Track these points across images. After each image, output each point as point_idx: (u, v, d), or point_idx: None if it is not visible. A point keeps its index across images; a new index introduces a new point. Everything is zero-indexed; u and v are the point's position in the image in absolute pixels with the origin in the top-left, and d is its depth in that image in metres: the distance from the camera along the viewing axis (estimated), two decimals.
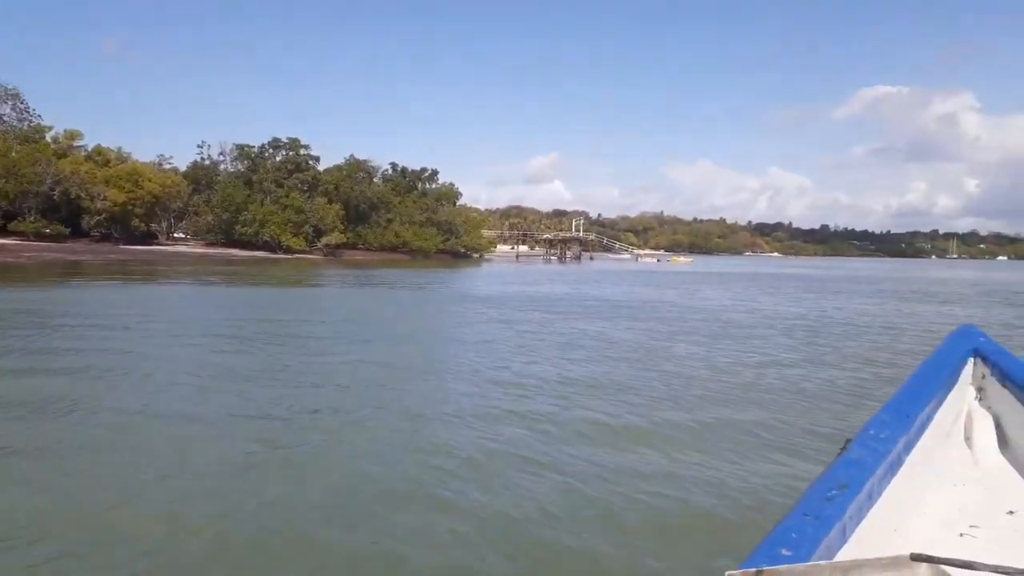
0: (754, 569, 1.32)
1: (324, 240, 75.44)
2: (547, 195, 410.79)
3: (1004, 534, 1.94)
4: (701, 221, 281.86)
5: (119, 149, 74.42)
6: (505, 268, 65.23)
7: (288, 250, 73.04)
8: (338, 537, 4.74)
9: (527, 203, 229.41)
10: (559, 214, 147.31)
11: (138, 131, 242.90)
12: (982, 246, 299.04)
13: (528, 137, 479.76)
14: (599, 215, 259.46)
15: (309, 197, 77.47)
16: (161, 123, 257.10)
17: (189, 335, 14.13)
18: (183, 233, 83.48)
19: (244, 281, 34.42)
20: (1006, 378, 2.37)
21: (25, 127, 71.27)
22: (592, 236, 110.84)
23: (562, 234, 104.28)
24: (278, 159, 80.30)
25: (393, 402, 8.63)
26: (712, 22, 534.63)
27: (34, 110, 73.56)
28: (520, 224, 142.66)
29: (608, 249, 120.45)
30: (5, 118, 72.15)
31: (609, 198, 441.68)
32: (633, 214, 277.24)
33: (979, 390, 2.50)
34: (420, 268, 59.18)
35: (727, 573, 1.32)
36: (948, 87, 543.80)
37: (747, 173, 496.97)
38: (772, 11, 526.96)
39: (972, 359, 2.49)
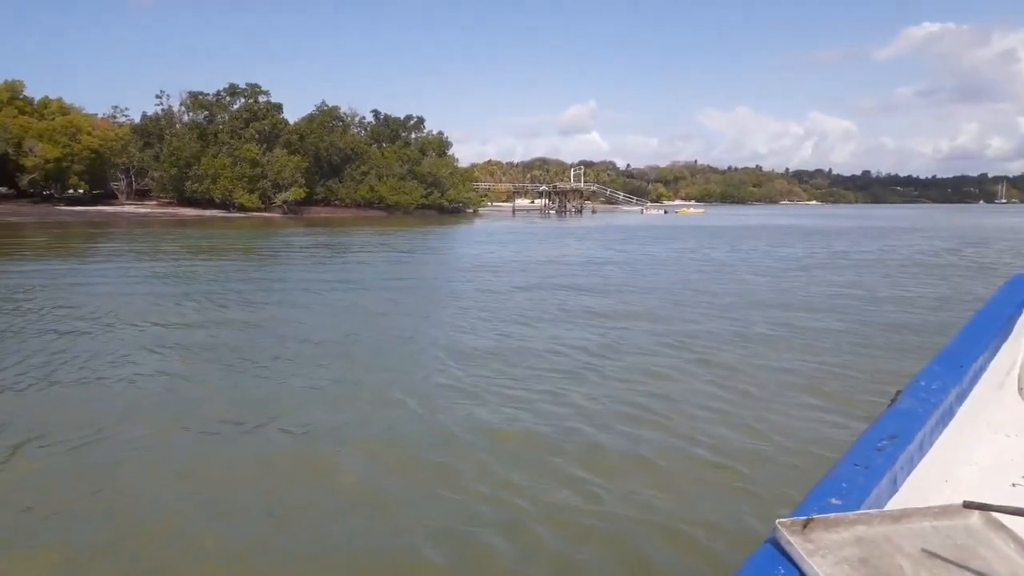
0: (804, 517, 1.32)
1: (281, 196, 68.59)
2: (583, 146, 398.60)
3: None
4: (736, 170, 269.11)
5: (60, 99, 67.92)
6: (487, 226, 57.93)
7: (242, 208, 66.56)
8: None
9: (561, 155, 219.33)
10: (585, 165, 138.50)
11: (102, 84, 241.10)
12: None
13: (565, 84, 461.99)
14: (627, 165, 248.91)
15: (268, 149, 70.42)
16: (122, 74, 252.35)
17: None
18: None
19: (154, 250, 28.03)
20: None
21: None
22: (594, 187, 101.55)
23: (560, 185, 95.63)
24: (235, 107, 73.22)
25: None
26: None
27: None
28: (542, 176, 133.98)
29: (613, 201, 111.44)
30: None
31: (647, 148, 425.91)
32: (670, 164, 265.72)
33: None
34: (391, 226, 52.99)
35: (778, 522, 1.32)
36: (1008, 22, 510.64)
37: (787, 119, 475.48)
38: None
39: None
